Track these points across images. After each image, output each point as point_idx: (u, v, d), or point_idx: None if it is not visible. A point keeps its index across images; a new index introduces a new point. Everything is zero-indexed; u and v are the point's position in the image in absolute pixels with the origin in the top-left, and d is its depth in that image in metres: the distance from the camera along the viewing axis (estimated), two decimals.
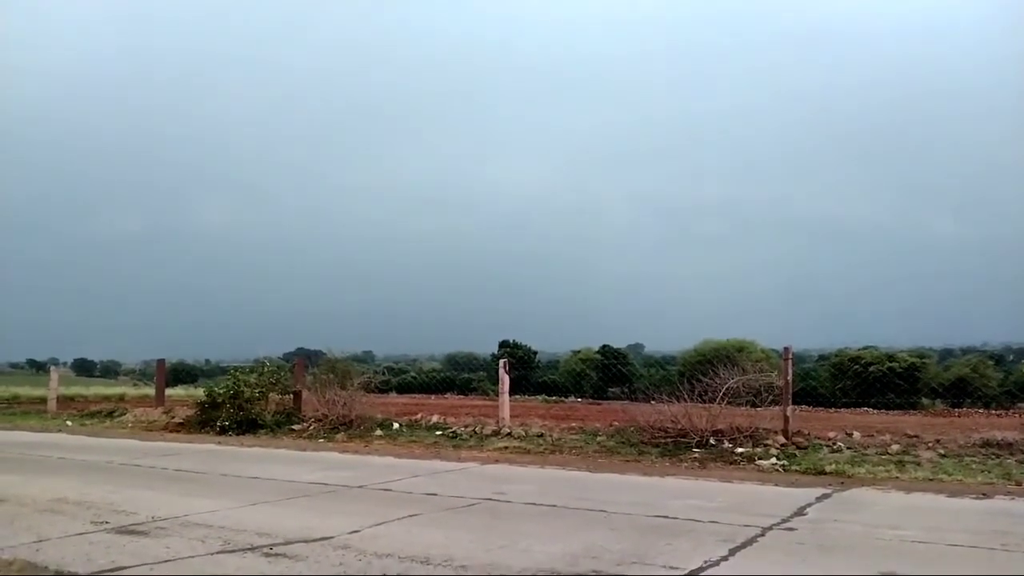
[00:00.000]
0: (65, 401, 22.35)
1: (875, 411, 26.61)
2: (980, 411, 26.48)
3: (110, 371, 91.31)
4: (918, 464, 9.50)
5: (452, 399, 33.29)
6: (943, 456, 9.84)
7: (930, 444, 10.39)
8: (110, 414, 18.69)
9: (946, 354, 52.08)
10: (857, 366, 36.14)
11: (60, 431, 16.42)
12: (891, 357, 36.34)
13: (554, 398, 32.87)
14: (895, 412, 26.18)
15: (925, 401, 33.98)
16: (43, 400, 21.76)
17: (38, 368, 77.24)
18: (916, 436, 10.94)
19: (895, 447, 10.27)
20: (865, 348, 39.05)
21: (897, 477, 8.94)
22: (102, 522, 6.49)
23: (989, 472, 9.00)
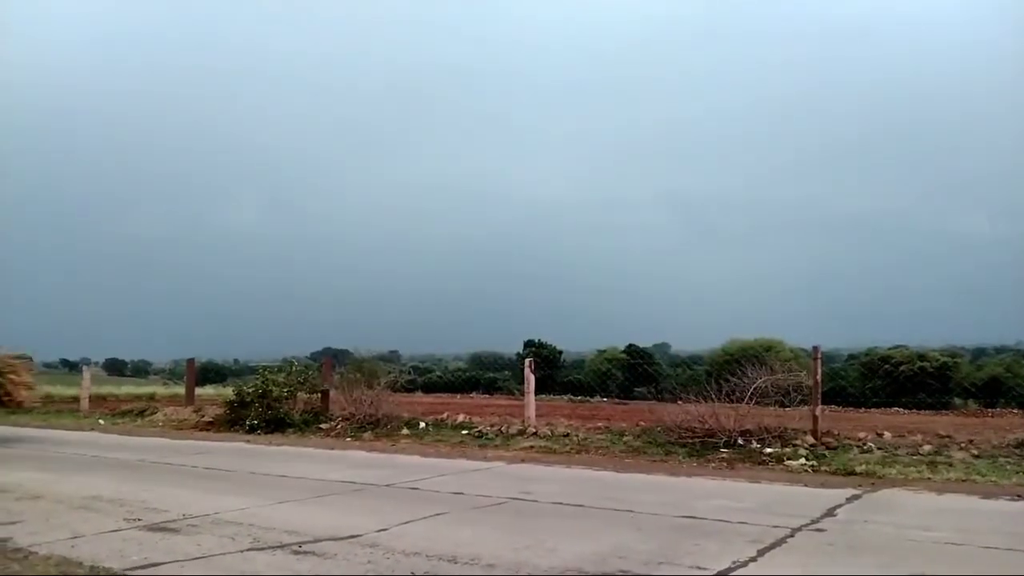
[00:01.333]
0: (97, 400, 22.73)
1: (906, 411, 26.28)
2: (1015, 411, 25.95)
3: (141, 371, 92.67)
4: (950, 465, 9.36)
5: (477, 398, 33.39)
6: (976, 457, 9.68)
7: (963, 445, 10.23)
8: (141, 413, 18.98)
9: (979, 353, 51.16)
10: (887, 365, 35.69)
11: (93, 430, 16.70)
12: (922, 356, 35.80)
13: (580, 398, 32.84)
14: (926, 412, 25.83)
15: (957, 401, 33.45)
16: (76, 399, 22.16)
17: (71, 368, 78.56)
18: (948, 436, 10.79)
19: (927, 447, 10.13)
20: (895, 347, 38.49)
21: (929, 478, 8.81)
22: (135, 519, 6.58)
23: None
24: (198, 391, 22.11)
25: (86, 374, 22.48)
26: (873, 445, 10.41)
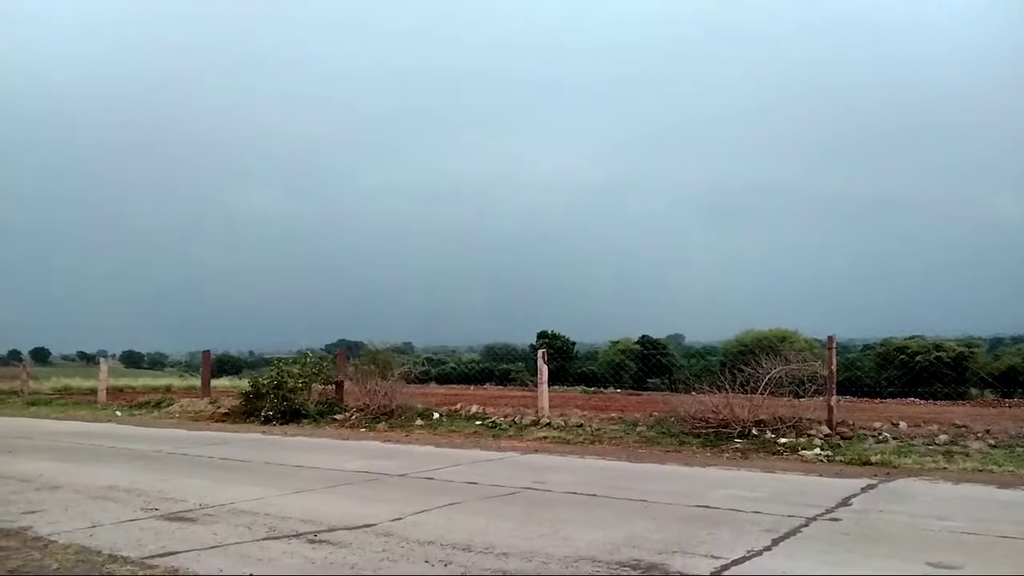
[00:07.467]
0: (114, 392, 22.92)
1: (922, 401, 26.03)
2: None
3: (157, 363, 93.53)
4: (967, 455, 9.29)
5: (491, 389, 33.35)
6: (993, 447, 9.61)
7: (979, 434, 10.16)
8: (158, 404, 19.13)
9: (996, 343, 50.61)
10: (903, 356, 35.39)
11: (110, 421, 16.86)
12: (938, 346, 35.48)
13: (593, 389, 32.70)
14: (943, 402, 25.57)
15: (974, 391, 33.09)
16: (93, 391, 22.36)
17: (88, 360, 79.53)
18: (965, 426, 10.71)
19: (943, 437, 10.07)
20: (911, 337, 38.16)
21: (945, 468, 8.75)
22: (152, 509, 6.66)
23: None
24: (213, 383, 22.25)
25: (103, 366, 22.63)
26: (888, 435, 10.36)
